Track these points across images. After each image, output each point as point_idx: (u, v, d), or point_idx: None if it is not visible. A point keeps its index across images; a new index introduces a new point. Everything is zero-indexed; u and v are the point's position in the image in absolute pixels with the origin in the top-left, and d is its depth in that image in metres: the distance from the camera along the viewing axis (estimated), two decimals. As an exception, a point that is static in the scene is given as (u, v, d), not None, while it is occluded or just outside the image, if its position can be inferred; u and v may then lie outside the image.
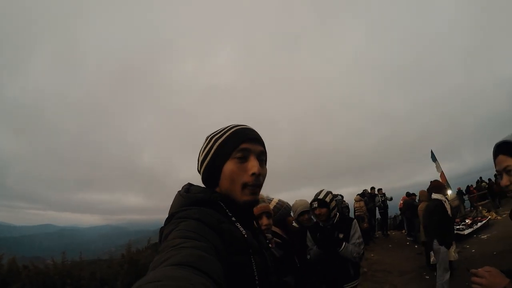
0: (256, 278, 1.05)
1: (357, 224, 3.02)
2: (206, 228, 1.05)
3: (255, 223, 1.17)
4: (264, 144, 1.12)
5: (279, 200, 2.59)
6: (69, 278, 4.73)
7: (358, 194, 11.41)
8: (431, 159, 11.19)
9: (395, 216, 15.11)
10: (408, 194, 12.12)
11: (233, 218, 1.05)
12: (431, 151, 11.10)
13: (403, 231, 11.92)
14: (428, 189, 5.26)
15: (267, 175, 1.11)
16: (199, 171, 1.12)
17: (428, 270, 6.26)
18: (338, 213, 3.04)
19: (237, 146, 1.06)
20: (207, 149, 1.08)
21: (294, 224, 3.30)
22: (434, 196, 4.92)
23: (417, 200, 9.72)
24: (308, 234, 3.09)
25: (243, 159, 1.06)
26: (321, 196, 2.96)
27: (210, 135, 1.11)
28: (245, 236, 1.05)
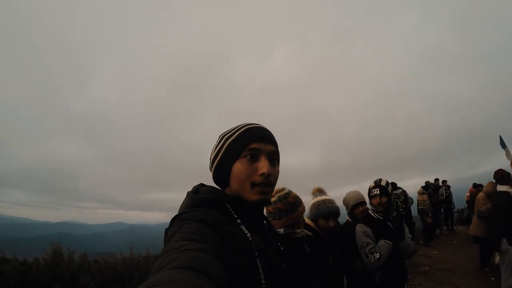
0: (263, 282, 1.05)
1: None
2: (209, 230, 1.06)
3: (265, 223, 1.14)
4: (276, 144, 1.09)
5: (320, 199, 2.45)
6: (136, 271, 5.20)
7: (421, 187, 10.60)
8: (500, 146, 10.00)
9: (462, 210, 13.87)
10: (475, 185, 10.96)
11: (238, 220, 1.06)
12: (500, 137, 9.91)
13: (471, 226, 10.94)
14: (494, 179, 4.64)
15: (278, 174, 1.09)
16: (211, 170, 1.10)
17: (493, 271, 5.67)
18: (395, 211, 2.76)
19: (246, 146, 1.07)
20: (217, 148, 1.08)
21: (347, 219, 3.14)
22: (500, 188, 4.36)
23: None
24: (367, 229, 2.66)
25: (253, 159, 1.06)
26: (383, 183, 2.68)
27: (222, 134, 1.09)
28: (250, 238, 1.05)
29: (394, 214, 2.76)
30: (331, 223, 2.32)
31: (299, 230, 1.93)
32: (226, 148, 1.07)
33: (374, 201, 2.69)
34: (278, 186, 2.02)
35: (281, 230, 1.90)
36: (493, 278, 5.46)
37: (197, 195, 1.07)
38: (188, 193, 1.08)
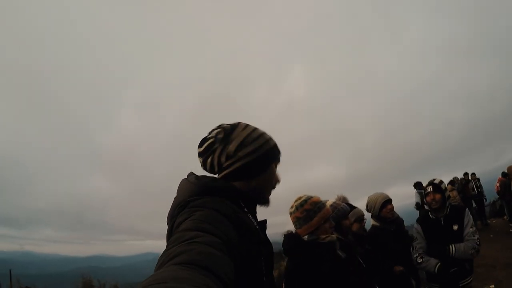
0: (264, 269, 1.06)
1: (469, 212, 2.77)
2: (223, 218, 1.05)
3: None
4: None
5: (334, 202, 2.47)
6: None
7: (448, 183, 10.15)
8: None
9: (493, 202, 13.28)
10: (504, 174, 10.52)
11: (246, 209, 1.07)
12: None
13: (505, 217, 10.39)
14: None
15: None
16: (232, 156, 1.09)
17: None
18: (450, 204, 2.81)
19: (280, 154, 1.15)
20: (261, 142, 1.09)
21: (374, 223, 3.04)
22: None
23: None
24: (418, 226, 2.88)
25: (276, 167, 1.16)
26: (436, 181, 2.79)
27: (258, 130, 1.12)
28: (257, 227, 1.07)
29: (447, 212, 2.78)
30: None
31: (324, 236, 1.90)
32: (270, 148, 1.10)
33: (428, 198, 2.80)
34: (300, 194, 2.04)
35: (305, 237, 1.89)
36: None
37: (202, 182, 1.07)
38: (187, 180, 1.07)
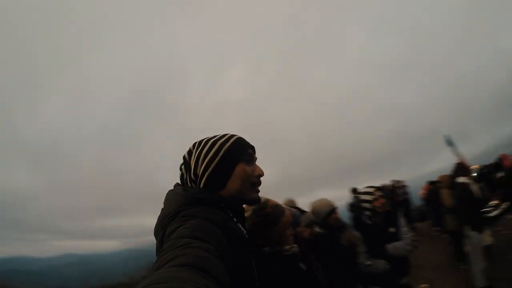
0: (256, 276, 1.10)
1: (401, 215, 2.96)
2: (214, 227, 1.06)
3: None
4: None
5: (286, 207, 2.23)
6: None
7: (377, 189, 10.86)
8: (446, 145, 10.65)
9: (419, 207, 14.59)
10: (431, 182, 11.48)
11: (235, 219, 1.11)
12: (445, 136, 10.56)
13: (428, 222, 11.46)
14: (452, 173, 4.99)
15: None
16: (197, 176, 1.14)
17: (461, 259, 5.76)
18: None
19: (245, 151, 1.15)
20: (212, 152, 1.15)
21: (317, 229, 2.82)
22: (459, 179, 4.66)
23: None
24: (359, 234, 2.89)
25: (249, 162, 1.15)
26: (379, 187, 2.90)
27: (210, 140, 1.15)
28: (246, 236, 1.11)
29: (383, 216, 2.92)
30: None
31: (289, 246, 1.55)
32: (224, 152, 1.14)
33: (377, 203, 2.86)
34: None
35: (266, 249, 1.49)
36: (464, 266, 5.53)
37: (189, 193, 1.08)
38: (174, 191, 1.11)
